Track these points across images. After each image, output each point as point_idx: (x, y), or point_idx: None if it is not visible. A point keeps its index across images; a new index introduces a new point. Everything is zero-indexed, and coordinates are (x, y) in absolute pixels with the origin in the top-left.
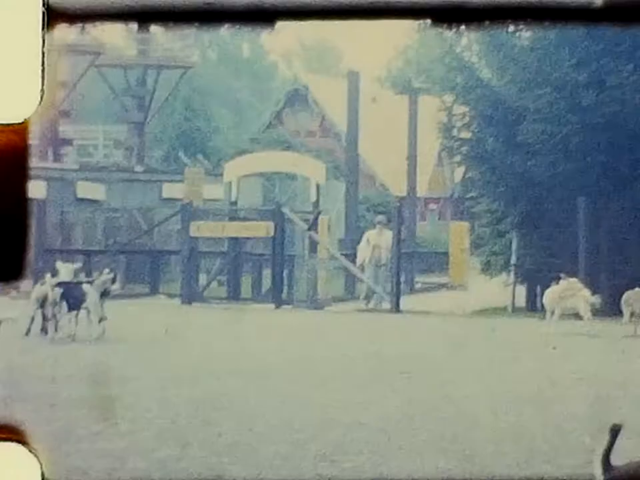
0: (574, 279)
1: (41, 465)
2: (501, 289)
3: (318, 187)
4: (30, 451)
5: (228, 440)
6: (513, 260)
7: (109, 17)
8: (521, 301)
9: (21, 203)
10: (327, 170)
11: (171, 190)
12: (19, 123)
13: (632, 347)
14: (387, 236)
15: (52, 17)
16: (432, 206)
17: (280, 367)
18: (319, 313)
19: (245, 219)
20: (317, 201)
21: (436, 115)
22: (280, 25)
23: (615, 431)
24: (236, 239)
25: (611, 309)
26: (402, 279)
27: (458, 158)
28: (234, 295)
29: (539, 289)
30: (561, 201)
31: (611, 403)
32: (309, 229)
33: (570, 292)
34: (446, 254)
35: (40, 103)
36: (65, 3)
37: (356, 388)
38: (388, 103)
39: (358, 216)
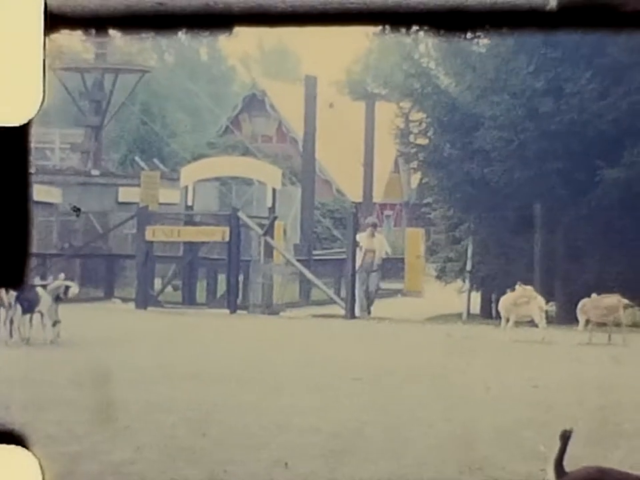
0: (529, 287)
1: (42, 469)
2: (456, 295)
3: (274, 192)
4: (31, 456)
5: (182, 444)
6: (468, 267)
7: (111, 22)
8: (476, 307)
9: (22, 207)
10: (283, 175)
11: (127, 194)
12: (20, 126)
13: (587, 354)
14: (380, 239)
15: (52, 21)
16: (388, 212)
17: (234, 372)
18: (274, 319)
19: (200, 224)
20: (273, 206)
21: (393, 121)
22: (239, 28)
23: (565, 437)
24: (191, 243)
25: (566, 316)
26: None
27: (414, 164)
28: (189, 300)
29: (494, 296)
30: (517, 208)
31: (565, 410)
32: (265, 234)
33: (525, 299)
34: (401, 260)
35: (41, 105)
36: (65, 7)
37: (310, 393)
38: (345, 109)
39: (314, 221)
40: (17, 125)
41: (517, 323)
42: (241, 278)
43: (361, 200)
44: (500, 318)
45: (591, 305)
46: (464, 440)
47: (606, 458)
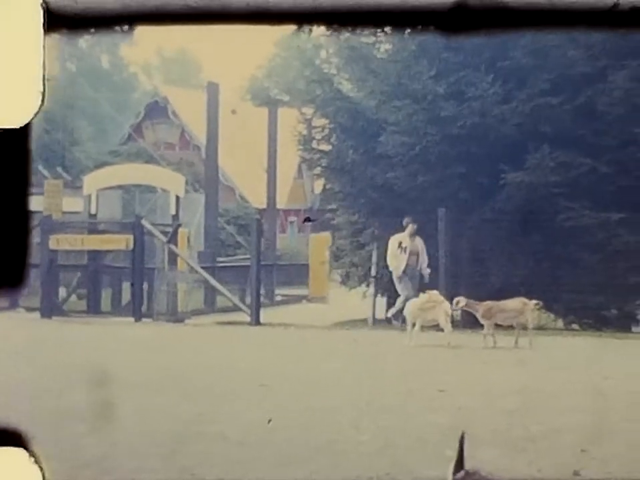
0: (434, 291)
1: (42, 470)
2: (361, 300)
3: (177, 199)
4: (31, 457)
5: (91, 453)
6: (373, 272)
7: (110, 20)
8: (382, 312)
9: (22, 208)
10: (186, 182)
11: (31, 203)
12: (20, 128)
13: (492, 358)
14: (420, 241)
15: (52, 20)
16: (292, 218)
17: (141, 380)
18: (179, 326)
19: (104, 232)
20: (177, 213)
21: (295, 127)
22: (139, 36)
23: (461, 440)
24: (95, 251)
25: (472, 320)
26: (262, 291)
27: (318, 170)
28: (94, 308)
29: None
30: (421, 213)
31: (472, 414)
32: (169, 242)
33: (431, 304)
34: (306, 266)
35: (40, 107)
36: (65, 6)
37: (217, 401)
38: (248, 115)
39: (218, 228)
40: (16, 126)
41: (423, 328)
42: (145, 286)
43: (264, 206)
44: (406, 323)
45: (496, 309)
46: (372, 446)
47: (514, 461)
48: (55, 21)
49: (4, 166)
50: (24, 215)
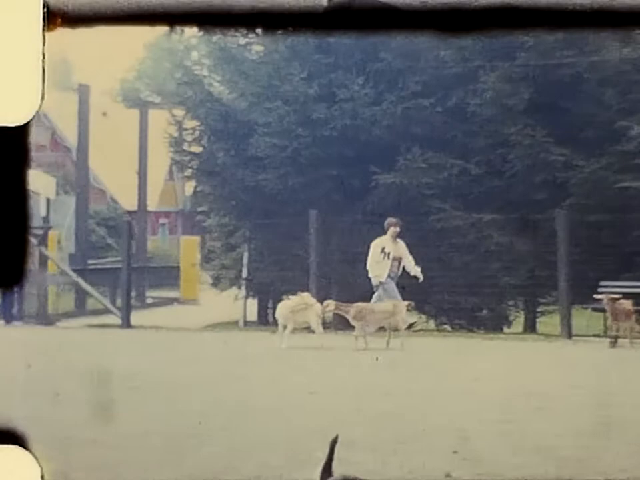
0: (306, 293)
1: (41, 468)
2: (232, 303)
3: (48, 201)
4: (30, 455)
5: None
6: (244, 274)
7: (109, 19)
8: (253, 315)
9: (21, 206)
10: (57, 184)
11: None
12: (19, 126)
13: (363, 360)
14: (402, 244)
15: (51, 19)
16: (163, 220)
17: (7, 385)
18: (50, 329)
19: None
20: (47, 215)
21: (166, 129)
22: None
23: (332, 444)
24: None
25: (344, 322)
26: (132, 293)
27: (188, 172)
28: None
29: (270, 302)
30: (292, 215)
31: (343, 417)
32: (39, 244)
33: (302, 306)
34: (177, 268)
35: (40, 105)
36: (64, 5)
37: (87, 405)
38: (118, 117)
39: (88, 230)
40: (16, 124)
41: (295, 330)
42: (15, 289)
43: (135, 208)
44: (277, 324)
45: (367, 311)
46: (242, 448)
47: (385, 463)
48: (54, 19)
49: (3, 163)
50: (23, 213)
